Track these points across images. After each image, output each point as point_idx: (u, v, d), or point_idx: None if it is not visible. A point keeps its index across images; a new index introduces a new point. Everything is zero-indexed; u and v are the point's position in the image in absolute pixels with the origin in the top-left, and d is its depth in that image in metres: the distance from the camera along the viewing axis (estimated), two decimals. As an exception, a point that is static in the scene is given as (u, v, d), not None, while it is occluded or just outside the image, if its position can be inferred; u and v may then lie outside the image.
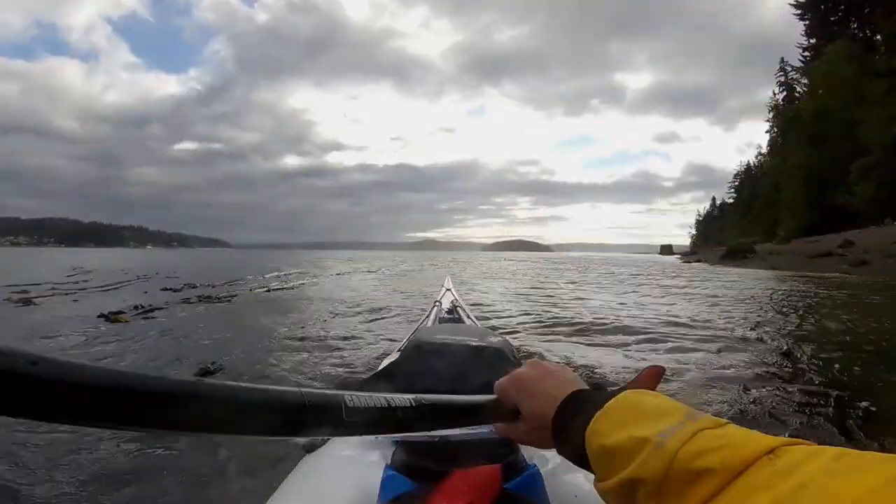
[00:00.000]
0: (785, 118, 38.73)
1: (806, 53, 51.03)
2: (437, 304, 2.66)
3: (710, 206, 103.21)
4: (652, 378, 0.52)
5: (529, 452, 0.67)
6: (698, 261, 29.83)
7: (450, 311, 2.49)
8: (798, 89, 55.11)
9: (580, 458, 0.39)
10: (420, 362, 0.81)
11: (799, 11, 48.80)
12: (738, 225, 63.42)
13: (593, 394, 0.42)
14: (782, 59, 58.05)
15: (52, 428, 2.08)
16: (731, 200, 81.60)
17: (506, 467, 0.58)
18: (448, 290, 3.18)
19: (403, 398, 0.43)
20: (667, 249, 73.88)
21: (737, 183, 78.90)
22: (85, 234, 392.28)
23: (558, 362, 0.51)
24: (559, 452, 0.42)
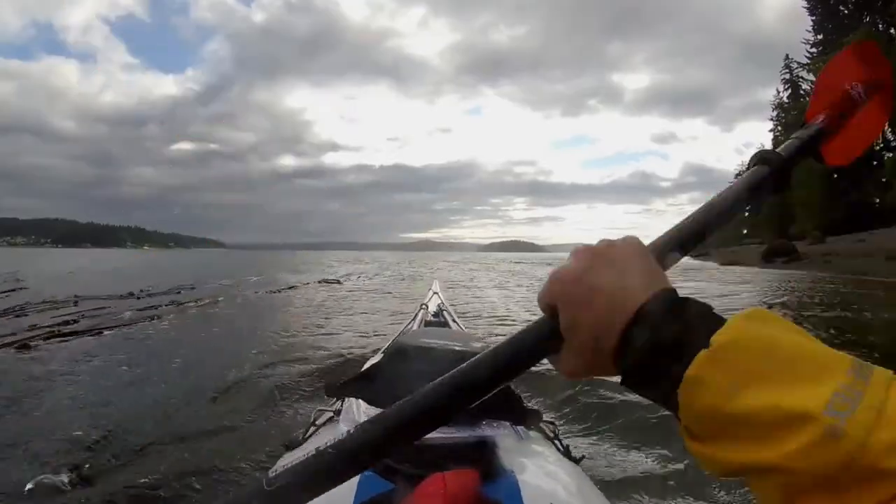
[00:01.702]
0: (802, 111, 37.05)
1: (813, 49, 50.16)
2: (424, 307, 2.55)
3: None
4: None
5: (509, 458, 0.66)
6: (733, 262, 25.64)
7: (436, 315, 2.44)
8: (803, 86, 54.32)
9: (666, 402, 0.27)
10: (402, 366, 0.79)
11: (808, 5, 47.77)
12: (742, 225, 62.39)
13: (692, 304, 0.28)
14: (787, 55, 57.22)
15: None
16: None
17: (483, 471, 0.58)
18: (435, 293, 3.07)
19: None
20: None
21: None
22: (82, 234, 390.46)
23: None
24: (633, 389, 0.30)
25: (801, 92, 54.71)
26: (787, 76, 57.27)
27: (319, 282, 13.33)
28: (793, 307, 7.78)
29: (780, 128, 58.95)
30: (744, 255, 28.81)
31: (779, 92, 58.93)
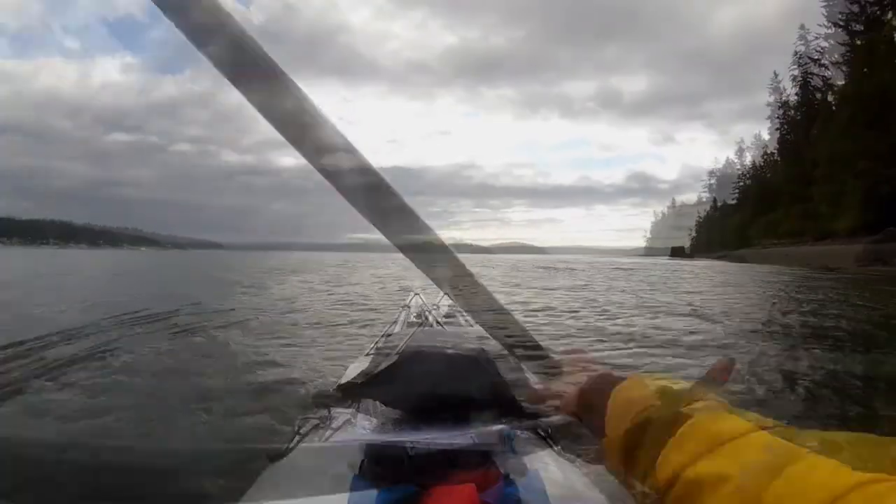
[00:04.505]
0: (837, 99, 34.61)
1: (824, 43, 48.65)
2: (406, 308, 2.55)
3: (711, 207, 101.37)
4: (724, 371, 0.49)
5: (506, 468, 0.66)
6: (831, 267, 19.12)
7: (418, 316, 2.39)
8: (812, 82, 52.78)
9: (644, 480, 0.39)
10: (418, 367, 0.82)
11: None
12: (749, 225, 60.78)
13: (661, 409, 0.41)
14: (796, 51, 55.62)
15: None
16: (734, 201, 79.61)
17: (483, 479, 0.60)
18: (416, 294, 2.92)
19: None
20: (679, 251, 71.32)
21: (741, 183, 77.00)
22: (79, 235, 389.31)
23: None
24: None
25: (811, 87, 53.23)
26: (795, 72, 55.71)
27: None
28: None
29: (785, 126, 57.51)
30: (825, 258, 21.98)
31: (784, 90, 57.62)
